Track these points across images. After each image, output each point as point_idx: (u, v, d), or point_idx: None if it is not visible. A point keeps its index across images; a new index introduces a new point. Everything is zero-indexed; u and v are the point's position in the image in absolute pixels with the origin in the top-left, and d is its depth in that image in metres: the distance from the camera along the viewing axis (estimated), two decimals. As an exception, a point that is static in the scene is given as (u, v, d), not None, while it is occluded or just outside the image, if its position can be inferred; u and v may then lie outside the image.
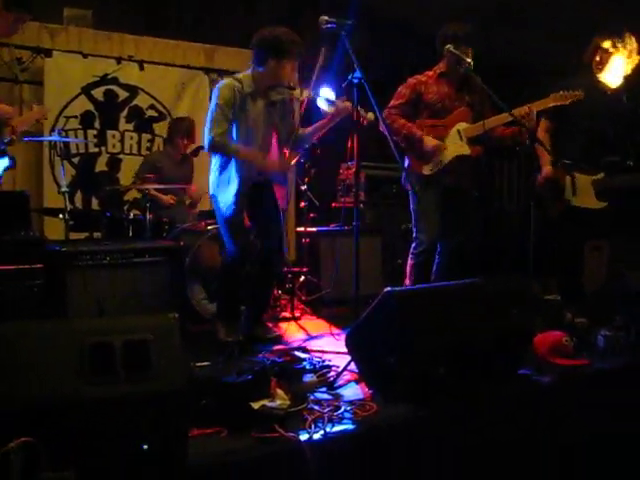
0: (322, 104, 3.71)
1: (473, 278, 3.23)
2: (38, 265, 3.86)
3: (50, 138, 4.70)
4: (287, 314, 4.63)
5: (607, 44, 4.01)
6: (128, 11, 6.66)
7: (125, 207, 5.75)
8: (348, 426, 2.43)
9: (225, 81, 3.72)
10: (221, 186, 3.70)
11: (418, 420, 2.54)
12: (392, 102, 4.17)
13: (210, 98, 3.92)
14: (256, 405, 2.38)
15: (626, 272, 3.92)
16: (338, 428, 2.40)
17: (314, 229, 5.27)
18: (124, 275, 3.79)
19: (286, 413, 2.42)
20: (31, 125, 4.52)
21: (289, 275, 4.97)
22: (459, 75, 4.05)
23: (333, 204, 5.90)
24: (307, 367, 2.99)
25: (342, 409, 2.57)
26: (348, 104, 3.53)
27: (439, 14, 4.58)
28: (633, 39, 4.00)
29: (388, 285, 5.19)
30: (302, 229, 5.19)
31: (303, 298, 4.94)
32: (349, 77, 3.26)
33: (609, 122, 4.13)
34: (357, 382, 2.97)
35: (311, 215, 5.26)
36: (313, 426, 2.38)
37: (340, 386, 2.95)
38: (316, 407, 2.56)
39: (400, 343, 2.68)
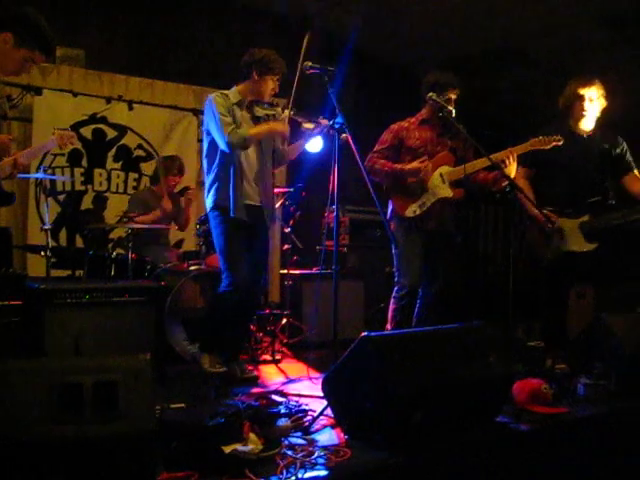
0: (303, 122, 3.82)
1: (453, 323, 3.24)
2: (17, 302, 3.86)
3: (35, 175, 4.70)
4: (268, 357, 4.58)
5: (588, 92, 4.12)
6: (120, 52, 6.76)
7: (109, 245, 5.75)
8: (320, 472, 2.39)
9: (213, 94, 3.88)
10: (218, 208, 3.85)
11: (392, 467, 2.50)
12: (375, 148, 4.23)
13: (200, 139, 4.03)
14: (227, 449, 2.34)
15: (607, 318, 3.92)
16: (310, 474, 2.35)
17: (297, 272, 5.27)
18: (103, 314, 3.74)
19: (258, 458, 2.38)
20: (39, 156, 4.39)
21: (271, 317, 4.94)
22: (441, 120, 4.11)
23: (317, 247, 5.91)
24: (283, 411, 2.96)
25: (316, 454, 2.54)
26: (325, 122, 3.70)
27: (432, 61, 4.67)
28: (602, 86, 4.13)
29: (369, 329, 5.21)
30: (285, 271, 5.18)
31: (285, 341, 4.90)
32: (330, 122, 3.31)
33: (588, 165, 4.20)
34: (333, 427, 2.93)
35: (295, 258, 5.26)
36: (285, 472, 2.34)
37: (316, 431, 2.91)
38: (289, 452, 2.52)
39: (376, 388, 2.66)
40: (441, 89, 4.04)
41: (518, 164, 4.10)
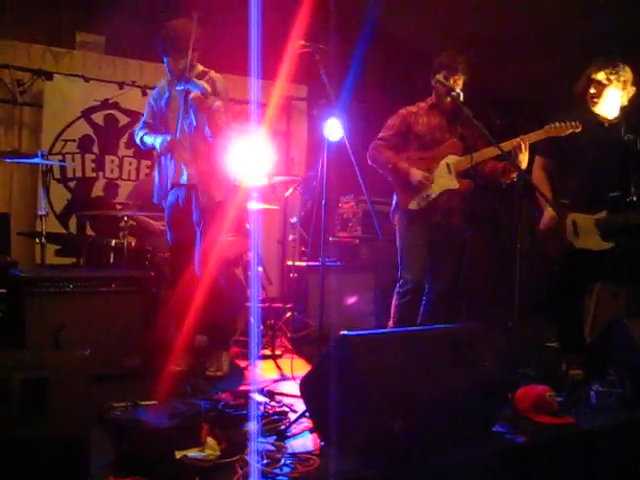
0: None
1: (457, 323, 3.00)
2: (2, 290, 3.74)
3: (32, 160, 4.57)
4: (268, 351, 4.39)
5: (600, 76, 3.78)
6: (140, 38, 6.62)
7: (120, 234, 5.62)
8: (281, 483, 2.19)
9: None
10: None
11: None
12: (381, 133, 3.98)
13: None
14: (179, 454, 2.15)
15: (626, 321, 3.61)
16: (270, 485, 2.16)
17: (303, 263, 5.06)
18: (88, 304, 3.59)
19: (214, 465, 2.19)
20: None
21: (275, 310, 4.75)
22: (451, 106, 3.84)
23: (330, 238, 5.69)
24: (259, 413, 2.77)
25: (282, 462, 2.34)
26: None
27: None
28: (627, 69, 3.77)
29: (379, 323, 4.96)
30: (291, 263, 4.98)
31: (288, 335, 4.69)
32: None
33: (608, 156, 3.86)
34: (312, 432, 2.73)
35: (302, 249, 5.05)
36: (241, 481, 2.14)
37: (293, 435, 2.71)
38: (252, 459, 2.31)
39: (352, 393, 2.45)
40: (450, 71, 3.77)
41: (534, 153, 3.81)
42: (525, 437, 2.76)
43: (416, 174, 3.79)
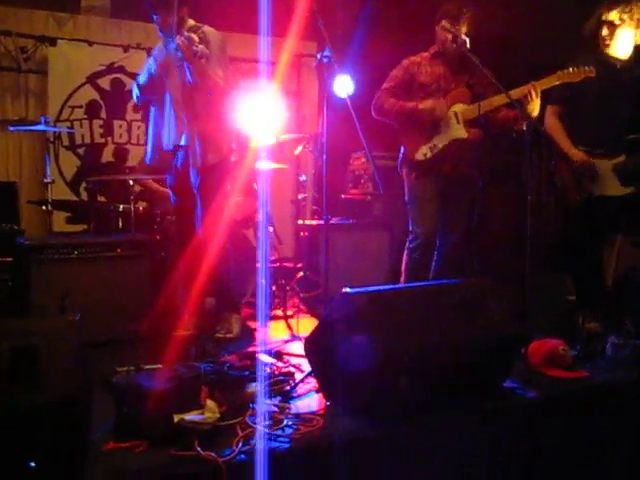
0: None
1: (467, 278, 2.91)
2: (8, 258, 3.73)
3: (37, 128, 4.53)
4: (280, 312, 4.34)
5: (613, 16, 3.59)
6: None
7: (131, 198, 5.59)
8: (282, 444, 2.15)
9: None
10: None
11: (366, 440, 2.24)
12: (384, 85, 3.85)
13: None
14: (177, 417, 2.12)
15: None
16: (270, 446, 2.12)
17: (314, 222, 4.98)
18: (94, 270, 3.57)
19: (214, 427, 2.16)
20: None
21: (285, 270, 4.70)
22: (456, 54, 3.69)
23: (342, 195, 5.60)
24: (264, 374, 2.73)
25: (284, 423, 2.30)
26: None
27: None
28: (635, 8, 3.58)
29: (394, 280, 4.89)
30: (301, 222, 4.90)
31: (300, 295, 4.64)
32: (318, 56, 2.97)
33: (622, 98, 3.70)
34: (318, 392, 2.69)
35: (314, 207, 4.97)
36: (241, 444, 2.11)
37: (299, 396, 2.68)
38: (253, 421, 2.28)
39: (357, 350, 2.39)
40: (455, 18, 3.61)
41: (546, 101, 3.66)
42: (536, 392, 2.69)
43: (426, 103, 3.67)
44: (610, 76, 3.67)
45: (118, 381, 2.29)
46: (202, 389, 2.26)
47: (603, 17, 3.63)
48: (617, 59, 3.70)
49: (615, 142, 3.72)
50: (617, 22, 3.58)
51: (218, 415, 2.20)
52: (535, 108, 3.47)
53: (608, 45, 3.66)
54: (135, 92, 3.79)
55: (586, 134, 3.74)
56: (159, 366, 2.84)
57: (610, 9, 3.60)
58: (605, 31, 3.65)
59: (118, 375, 2.59)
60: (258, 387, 2.48)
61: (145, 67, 3.78)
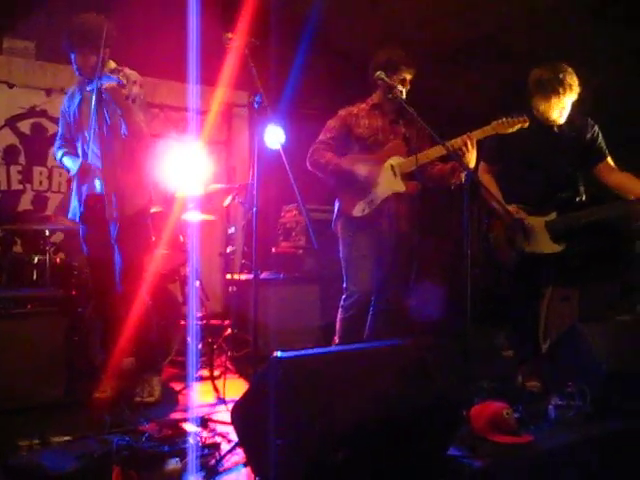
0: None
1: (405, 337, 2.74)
2: None
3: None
4: (206, 372, 4.06)
5: (545, 84, 3.58)
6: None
7: (49, 249, 5.23)
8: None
9: None
10: None
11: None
12: (320, 137, 3.73)
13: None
14: (82, 506, 1.84)
15: (584, 328, 3.41)
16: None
17: (243, 277, 4.75)
18: (1, 328, 3.25)
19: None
20: None
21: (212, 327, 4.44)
22: (393, 105, 3.62)
23: (273, 249, 5.41)
24: (186, 446, 2.46)
25: (208, 506, 2.05)
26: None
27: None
28: (571, 72, 3.59)
29: (325, 339, 4.69)
30: (230, 276, 4.65)
31: (229, 353, 4.37)
32: (250, 99, 2.83)
33: (557, 155, 3.70)
34: (246, 465, 2.44)
35: (243, 261, 4.75)
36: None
37: (225, 470, 2.42)
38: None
39: (287, 421, 2.17)
40: (393, 68, 3.54)
41: (480, 159, 3.62)
42: (482, 461, 2.52)
43: (361, 169, 3.54)
44: (546, 137, 3.67)
45: (16, 462, 1.99)
46: (114, 469, 1.99)
47: (537, 83, 3.64)
48: (553, 122, 3.69)
49: (548, 199, 3.69)
50: (549, 90, 3.57)
51: (131, 500, 1.93)
52: (472, 159, 3.41)
53: (542, 110, 3.65)
54: (59, 163, 3.71)
55: (525, 192, 3.71)
56: (68, 438, 2.54)
57: (542, 75, 3.61)
58: (539, 97, 3.64)
59: (19, 452, 2.27)
60: (178, 464, 2.22)
61: (60, 124, 3.63)
